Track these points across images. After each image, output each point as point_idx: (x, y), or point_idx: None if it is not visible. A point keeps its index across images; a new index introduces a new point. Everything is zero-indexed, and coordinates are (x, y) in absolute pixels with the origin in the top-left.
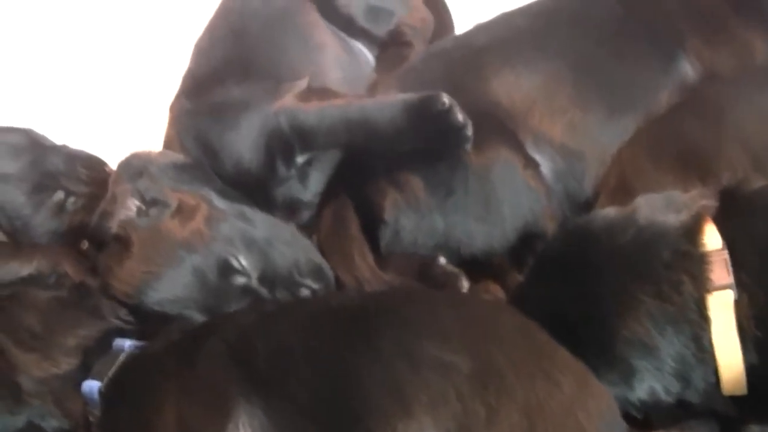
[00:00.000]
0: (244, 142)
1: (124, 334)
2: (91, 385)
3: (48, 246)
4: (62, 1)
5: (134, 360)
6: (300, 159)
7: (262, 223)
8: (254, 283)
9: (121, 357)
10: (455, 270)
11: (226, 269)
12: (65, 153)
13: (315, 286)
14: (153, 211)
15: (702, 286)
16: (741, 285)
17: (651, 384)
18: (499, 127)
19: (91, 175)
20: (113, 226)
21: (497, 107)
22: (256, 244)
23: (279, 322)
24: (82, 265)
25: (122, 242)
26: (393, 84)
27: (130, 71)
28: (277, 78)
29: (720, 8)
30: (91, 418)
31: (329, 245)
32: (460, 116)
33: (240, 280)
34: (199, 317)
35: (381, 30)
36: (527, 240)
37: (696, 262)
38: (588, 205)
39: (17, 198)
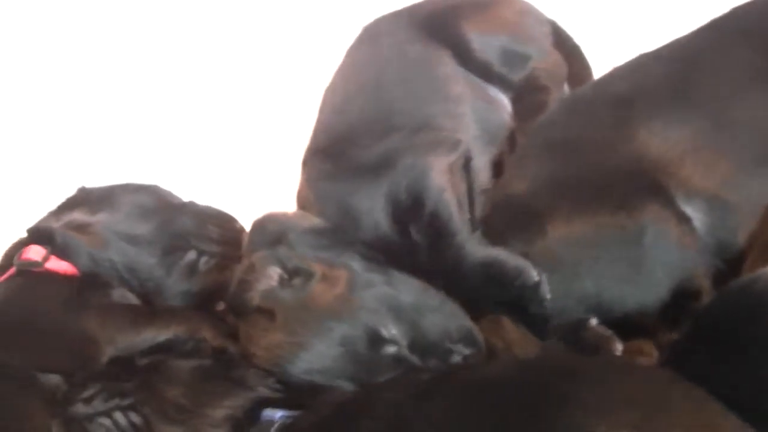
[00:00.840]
0: (377, 208)
1: (270, 403)
2: None
3: (184, 310)
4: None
5: None
6: (413, 228)
7: (408, 289)
8: (405, 351)
9: (273, 429)
10: (608, 332)
11: (375, 339)
12: (194, 211)
13: (466, 351)
14: (296, 281)
15: None
16: None
17: None
18: (649, 184)
19: (221, 234)
20: (255, 297)
21: (646, 161)
22: (404, 311)
23: (435, 399)
24: (220, 330)
25: (266, 313)
26: (534, 137)
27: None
28: (415, 129)
29: None
30: None
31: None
32: (546, 292)
33: (390, 349)
34: (349, 386)
35: (516, 75)
36: (681, 300)
37: None
38: (741, 258)
39: (149, 260)
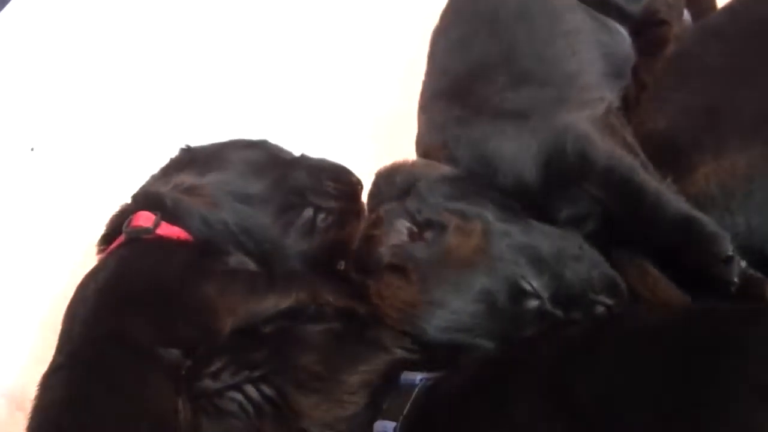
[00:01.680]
0: (523, 154)
1: (409, 366)
2: (385, 426)
3: (304, 274)
4: None
5: (431, 397)
6: (575, 189)
7: (547, 237)
8: (547, 304)
9: (415, 393)
10: (762, 276)
11: (516, 292)
12: (308, 165)
13: (610, 302)
14: (428, 235)
15: None
16: None
17: None
18: None
19: (339, 188)
20: (385, 254)
21: None
22: (544, 262)
23: (592, 352)
24: (344, 291)
25: (397, 270)
26: (669, 71)
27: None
28: (547, 75)
29: None
30: None
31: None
32: (734, 273)
33: (533, 303)
34: (490, 345)
35: (635, 7)
36: None
37: None
38: None
39: (264, 220)
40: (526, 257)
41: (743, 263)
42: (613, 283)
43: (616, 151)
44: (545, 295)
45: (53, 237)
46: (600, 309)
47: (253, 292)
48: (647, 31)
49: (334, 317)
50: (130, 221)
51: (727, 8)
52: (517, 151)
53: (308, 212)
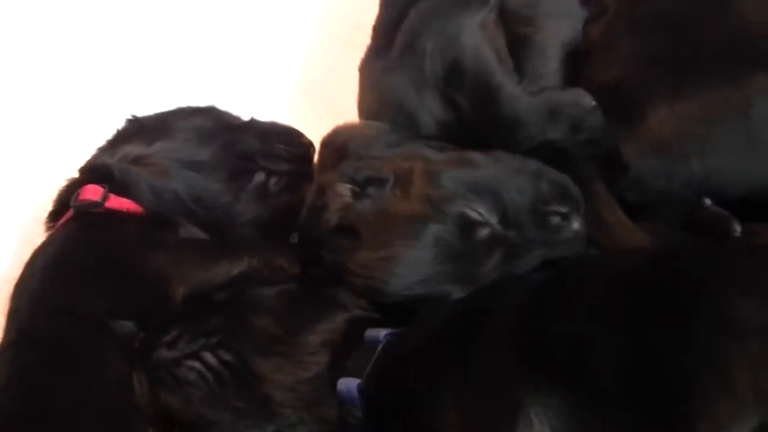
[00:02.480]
0: (432, 88)
1: (372, 323)
2: (348, 384)
3: (256, 240)
4: None
5: (395, 352)
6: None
7: (484, 161)
8: (498, 229)
9: (379, 349)
10: (725, 212)
11: (466, 225)
12: (258, 129)
13: (564, 209)
14: (371, 191)
15: None
16: None
17: None
18: (752, 53)
19: (290, 151)
20: (331, 217)
21: (744, 29)
22: (486, 186)
23: (558, 298)
24: (296, 257)
25: (347, 233)
26: (619, 17)
27: None
28: None
29: None
30: (350, 420)
31: None
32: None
33: (484, 231)
34: (454, 290)
35: None
36: None
37: None
38: None
39: (214, 186)
40: (468, 187)
41: (708, 201)
42: (563, 188)
43: (482, 45)
44: (494, 220)
45: None
46: (555, 219)
47: (204, 260)
48: None
49: (289, 281)
50: (77, 195)
51: None
52: (415, 86)
53: (260, 176)
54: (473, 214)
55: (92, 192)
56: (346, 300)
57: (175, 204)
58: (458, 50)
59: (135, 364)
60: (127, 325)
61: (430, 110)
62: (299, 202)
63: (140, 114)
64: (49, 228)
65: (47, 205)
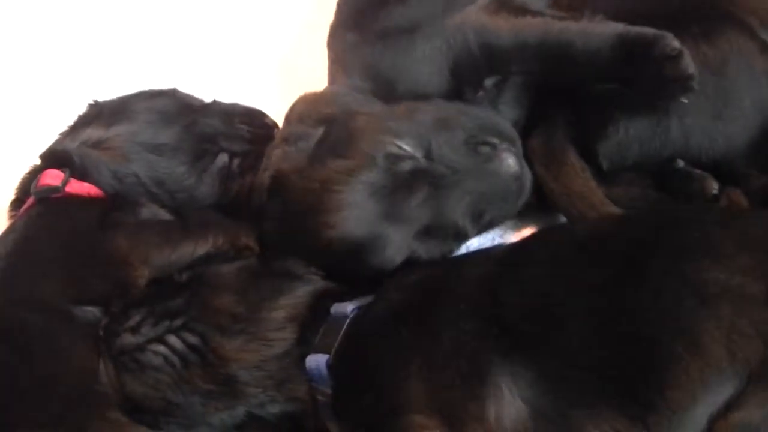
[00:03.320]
0: (423, 67)
1: (338, 296)
2: (317, 360)
3: (221, 219)
4: None
5: (362, 327)
6: (489, 81)
7: (422, 107)
8: (422, 162)
9: (346, 324)
10: (700, 171)
11: (389, 162)
12: (220, 110)
13: (492, 140)
14: (300, 145)
15: None
16: None
17: None
18: (724, 14)
19: (253, 131)
20: (264, 181)
21: None
22: (414, 125)
23: (522, 267)
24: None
25: (279, 195)
26: None
27: None
28: None
29: None
30: (319, 397)
31: (546, 181)
32: (690, 65)
33: (405, 164)
34: (392, 230)
35: None
36: None
37: None
38: None
39: (177, 169)
40: (394, 128)
41: (681, 162)
42: (492, 123)
43: (518, 23)
44: (418, 153)
45: None
46: (485, 149)
47: (167, 241)
48: None
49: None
50: (37, 181)
51: None
52: (412, 64)
53: (223, 158)
54: (395, 149)
55: (52, 177)
56: (299, 270)
57: (136, 187)
58: (491, 37)
59: (100, 351)
60: (91, 311)
61: (419, 82)
62: None
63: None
64: (11, 216)
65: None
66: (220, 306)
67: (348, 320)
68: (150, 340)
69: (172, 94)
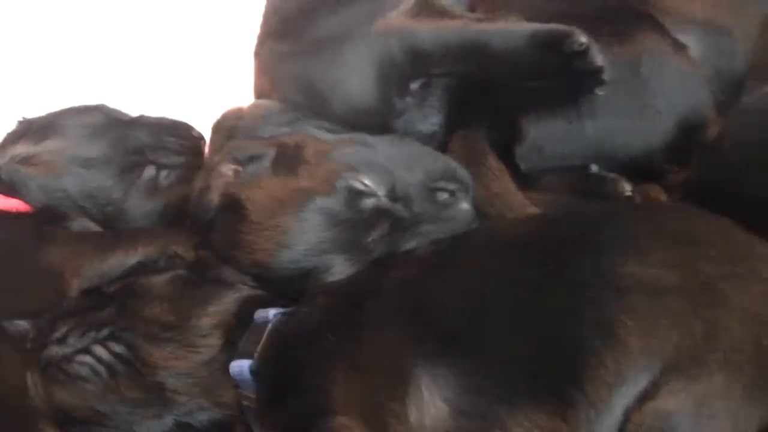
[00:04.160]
0: (351, 76)
1: (262, 302)
2: (241, 365)
3: (151, 229)
4: None
5: (285, 332)
6: (414, 85)
7: (377, 143)
8: (385, 201)
9: (268, 329)
10: (612, 174)
11: (351, 196)
12: (147, 124)
13: (451, 186)
14: (252, 167)
15: None
16: None
17: None
18: (637, 14)
19: (180, 143)
20: (213, 198)
21: None
22: (375, 162)
23: (445, 269)
24: (192, 242)
25: (230, 211)
26: None
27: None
28: None
29: None
30: (245, 402)
31: None
32: (598, 58)
33: (369, 201)
34: (339, 260)
35: None
36: (688, 133)
37: None
38: (741, 85)
39: (106, 182)
40: (357, 161)
41: (595, 167)
42: (452, 169)
43: (438, 25)
44: (381, 192)
45: None
46: (443, 196)
47: (98, 252)
48: None
49: (184, 267)
50: None
51: None
52: (342, 74)
53: (150, 170)
54: (359, 185)
55: None
56: (232, 278)
57: (66, 201)
58: (415, 39)
59: (29, 364)
60: (22, 325)
61: (349, 93)
62: (192, 193)
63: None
64: None
65: None
66: (149, 315)
67: (270, 325)
68: (77, 351)
69: (100, 110)
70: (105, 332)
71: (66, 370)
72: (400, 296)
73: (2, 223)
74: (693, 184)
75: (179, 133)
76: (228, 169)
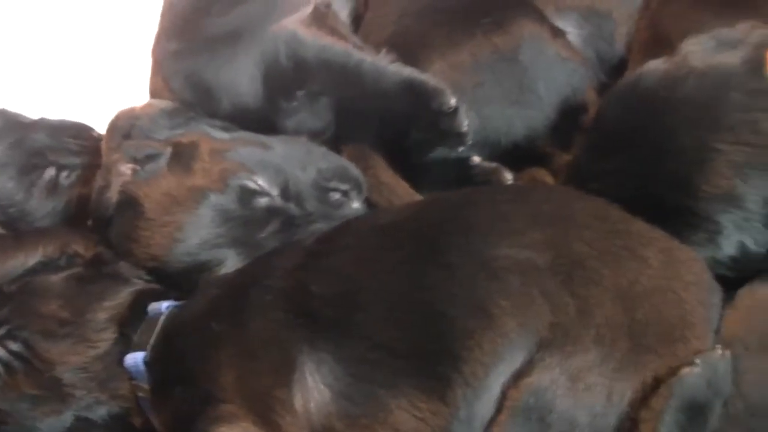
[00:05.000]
0: (240, 76)
1: (157, 296)
2: (135, 357)
3: (51, 229)
4: None
5: (176, 323)
6: (301, 92)
7: (273, 143)
8: (278, 200)
9: (161, 321)
10: (493, 164)
11: (244, 194)
12: (47, 126)
13: (344, 186)
14: (149, 167)
15: None
16: None
17: (739, 238)
18: (515, 2)
19: (80, 144)
20: (112, 196)
21: None
22: (269, 162)
23: (328, 255)
24: (92, 240)
25: (128, 207)
26: None
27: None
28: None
29: None
30: (140, 394)
31: None
32: (464, 123)
33: (262, 200)
34: (231, 254)
35: None
36: (569, 116)
37: None
38: (622, 67)
39: (6, 184)
40: (249, 161)
41: (478, 158)
42: (343, 169)
43: (325, 42)
44: (274, 191)
45: None
46: (336, 196)
47: None
48: None
49: (82, 265)
50: None
51: None
52: (233, 74)
53: (50, 171)
54: (252, 185)
55: None
56: (128, 273)
57: None
58: (299, 47)
59: None
60: None
61: (239, 94)
62: (92, 193)
63: None
64: None
65: None
66: (46, 312)
67: (163, 317)
68: None
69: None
70: (2, 331)
71: None
72: (284, 284)
73: None
74: (574, 166)
75: (79, 134)
76: (126, 168)
